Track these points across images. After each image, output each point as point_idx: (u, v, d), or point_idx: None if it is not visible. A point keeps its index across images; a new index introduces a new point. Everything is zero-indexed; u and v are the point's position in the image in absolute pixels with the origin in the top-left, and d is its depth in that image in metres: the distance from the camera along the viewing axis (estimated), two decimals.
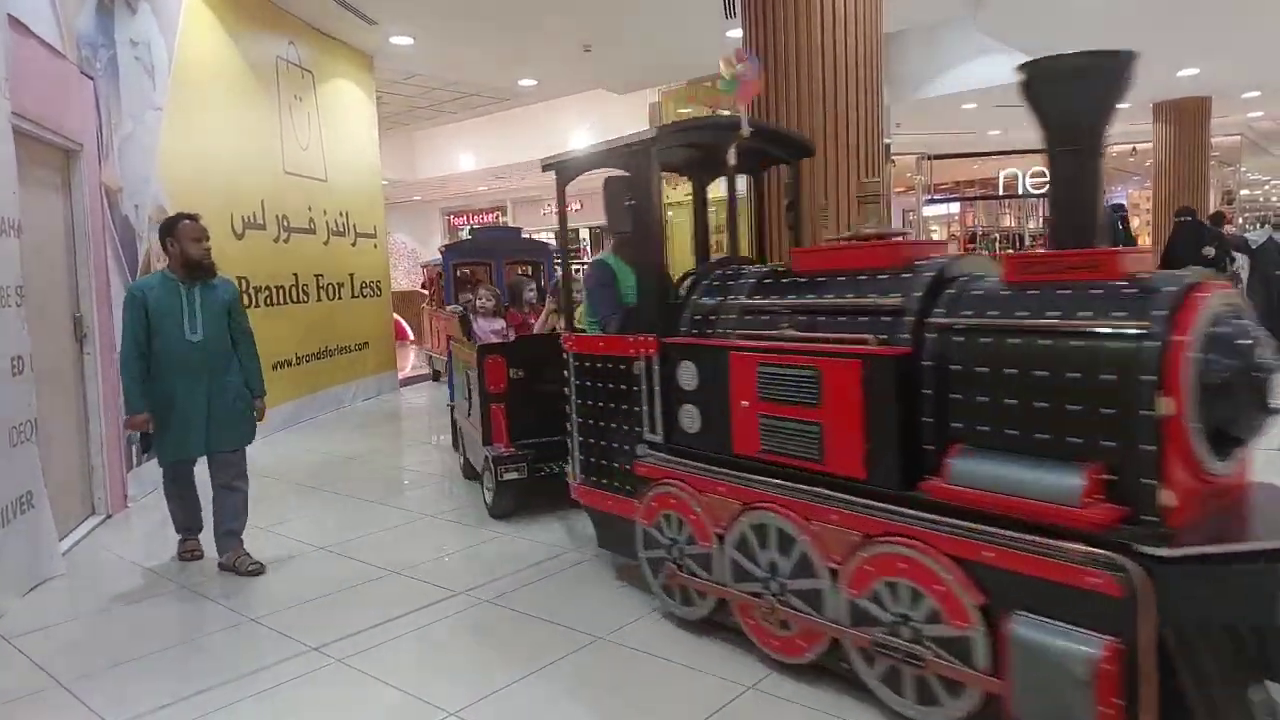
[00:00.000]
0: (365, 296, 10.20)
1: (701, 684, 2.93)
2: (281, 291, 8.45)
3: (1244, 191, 20.19)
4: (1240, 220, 16.16)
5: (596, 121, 15.16)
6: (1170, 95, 13.22)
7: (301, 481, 6.11)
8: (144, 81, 6.46)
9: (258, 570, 4.22)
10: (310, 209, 9.15)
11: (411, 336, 15.19)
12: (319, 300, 9.18)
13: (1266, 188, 23.48)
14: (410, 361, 13.50)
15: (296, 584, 4.07)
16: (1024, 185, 19.11)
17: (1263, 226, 9.45)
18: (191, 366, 4.09)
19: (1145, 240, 15.63)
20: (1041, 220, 21.39)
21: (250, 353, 4.36)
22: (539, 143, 16.16)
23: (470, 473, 5.77)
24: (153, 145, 6.54)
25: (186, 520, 4.48)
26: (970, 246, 19.26)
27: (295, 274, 8.74)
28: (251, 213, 8.07)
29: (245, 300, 7.67)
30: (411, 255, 24.34)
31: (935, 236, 20.30)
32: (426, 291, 12.19)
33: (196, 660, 3.33)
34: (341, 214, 9.75)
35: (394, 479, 6.17)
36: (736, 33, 5.97)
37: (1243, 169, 20.19)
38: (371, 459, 6.81)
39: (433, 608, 3.68)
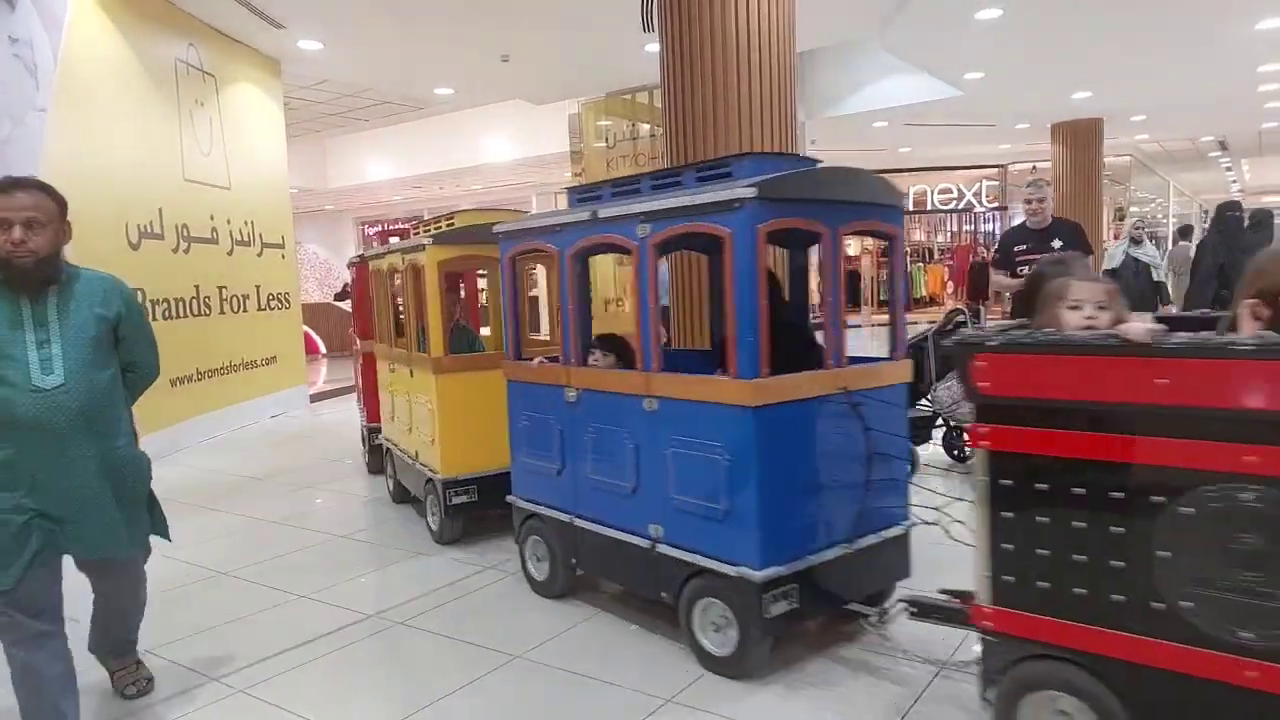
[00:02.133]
0: (273, 309, 9.82)
1: (620, 698, 2.88)
2: (181, 304, 8.06)
3: (1133, 208, 21.45)
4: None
5: (515, 132, 15.05)
6: (1066, 117, 13.95)
7: (202, 503, 5.80)
8: (25, 81, 6.08)
9: (140, 691, 3.02)
10: (213, 218, 8.77)
11: (323, 350, 14.69)
12: (222, 313, 8.80)
13: (1153, 205, 25.02)
14: (322, 376, 13.06)
15: (195, 612, 3.84)
16: (933, 201, 19.86)
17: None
18: (46, 429, 2.53)
19: None
20: (950, 235, 22.28)
21: (144, 382, 2.98)
22: (456, 152, 16.01)
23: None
24: (36, 149, 6.15)
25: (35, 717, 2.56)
26: (882, 259, 19.87)
27: (196, 286, 8.35)
28: (149, 222, 7.68)
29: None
30: (324, 265, 23.65)
31: (850, 251, 20.91)
32: (350, 305, 11.31)
33: (84, 695, 3.09)
34: (246, 223, 9.38)
35: (303, 499, 5.93)
36: (654, 47, 6.00)
37: (1132, 188, 21.47)
38: (279, 478, 6.53)
39: (342, 632, 3.52)
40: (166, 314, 7.75)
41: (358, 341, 6.80)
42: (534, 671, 3.12)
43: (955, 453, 5.82)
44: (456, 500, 4.47)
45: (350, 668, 3.24)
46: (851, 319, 17.05)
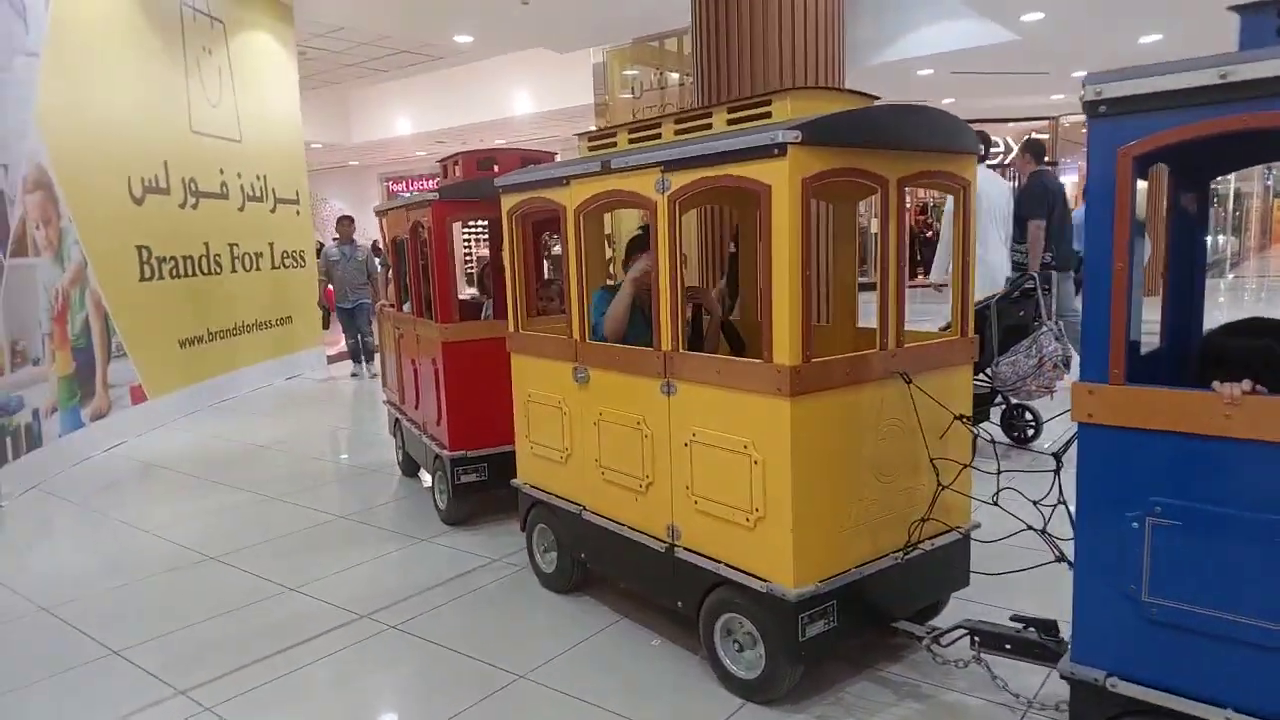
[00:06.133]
0: (287, 267, 9.47)
1: None
2: (190, 262, 7.71)
3: None
4: None
5: (539, 84, 14.46)
6: (1133, 63, 13.03)
7: (198, 474, 5.49)
8: (13, 24, 5.67)
9: None
10: (222, 172, 8.38)
11: None
12: (234, 271, 8.45)
13: None
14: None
15: (172, 605, 3.50)
16: None
17: None
18: None
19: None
20: None
21: None
22: (479, 105, 15.47)
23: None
24: (26, 96, 5.77)
25: None
26: (921, 217, 19.06)
27: (206, 243, 8.00)
28: (154, 175, 7.30)
29: (146, 273, 6.97)
30: None
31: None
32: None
33: (37, 709, 2.77)
34: (258, 177, 8.98)
35: (308, 472, 5.58)
36: None
37: None
38: (286, 448, 6.20)
39: (328, 636, 3.16)
40: (174, 272, 7.40)
41: (398, 315, 5.09)
42: (539, 697, 2.73)
43: (1015, 434, 5.31)
44: (810, 634, 2.50)
45: (333, 685, 2.86)
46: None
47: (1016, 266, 5.77)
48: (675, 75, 10.11)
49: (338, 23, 10.55)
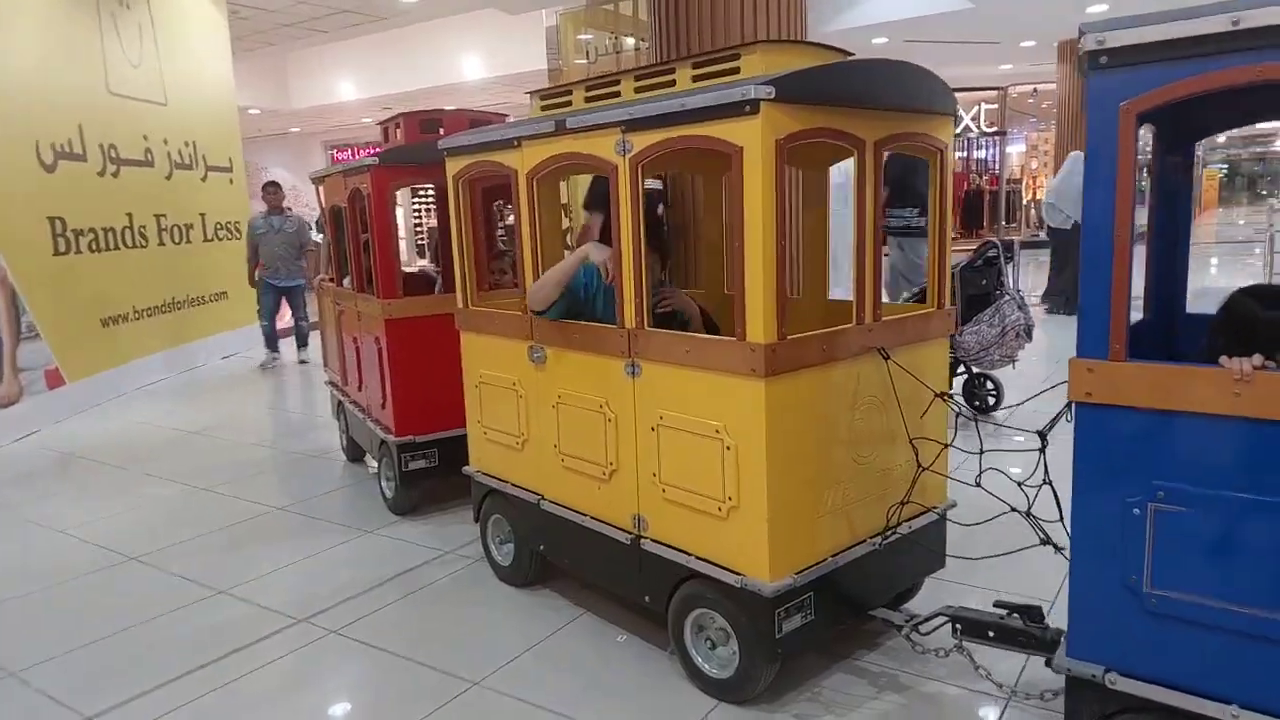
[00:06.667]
0: (221, 239, 8.94)
1: None
2: (112, 234, 7.20)
3: None
4: None
5: (489, 47, 13.93)
6: (1076, 34, 13.04)
7: (123, 464, 5.10)
8: None
9: None
10: (146, 138, 7.83)
11: None
12: (161, 244, 7.93)
13: None
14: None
15: (83, 616, 3.17)
16: None
17: None
18: None
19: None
20: None
21: None
22: (427, 70, 14.86)
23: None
24: None
25: None
26: None
27: (129, 214, 7.47)
28: (66, 140, 6.76)
29: (60, 246, 6.46)
30: (291, 193, 22.45)
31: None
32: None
33: None
34: (187, 144, 8.43)
35: (244, 460, 5.22)
36: None
37: None
38: (221, 434, 5.82)
39: (259, 646, 2.87)
40: (94, 246, 6.89)
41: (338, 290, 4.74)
42: (498, 707, 2.50)
43: (977, 403, 5.22)
44: (787, 629, 2.31)
45: (262, 702, 2.59)
46: None
47: (888, 230, 6.11)
48: (631, 40, 9.76)
49: None
